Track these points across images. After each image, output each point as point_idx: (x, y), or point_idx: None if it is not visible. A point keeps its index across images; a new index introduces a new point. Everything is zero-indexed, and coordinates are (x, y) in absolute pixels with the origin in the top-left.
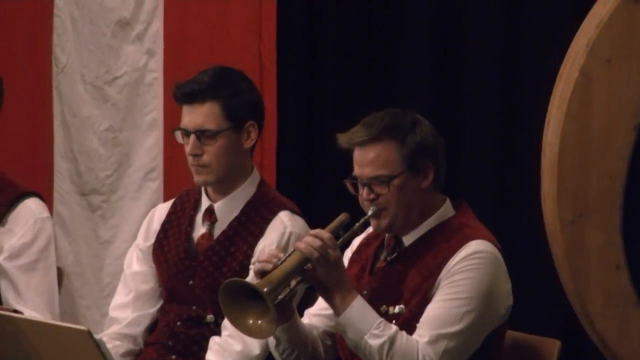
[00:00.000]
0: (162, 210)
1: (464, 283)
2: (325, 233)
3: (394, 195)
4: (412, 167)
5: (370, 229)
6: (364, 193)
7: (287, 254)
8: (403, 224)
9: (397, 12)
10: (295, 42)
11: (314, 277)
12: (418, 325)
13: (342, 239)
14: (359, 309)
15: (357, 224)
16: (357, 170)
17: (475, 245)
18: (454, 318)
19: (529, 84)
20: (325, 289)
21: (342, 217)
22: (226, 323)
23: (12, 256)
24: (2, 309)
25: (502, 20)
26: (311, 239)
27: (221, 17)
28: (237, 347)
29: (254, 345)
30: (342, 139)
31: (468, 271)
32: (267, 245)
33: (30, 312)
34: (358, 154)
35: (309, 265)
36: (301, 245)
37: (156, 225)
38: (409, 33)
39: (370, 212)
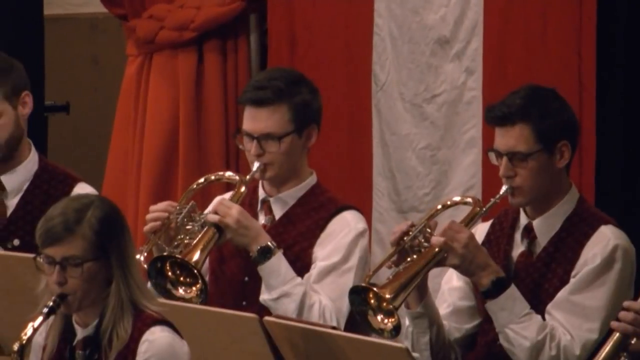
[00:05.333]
0: (481, 230)
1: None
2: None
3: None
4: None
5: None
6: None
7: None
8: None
9: None
10: (616, 61)
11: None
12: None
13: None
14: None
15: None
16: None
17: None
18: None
19: None
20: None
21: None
22: None
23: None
24: (321, 326)
25: None
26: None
27: (540, 36)
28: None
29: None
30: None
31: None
32: (589, 258)
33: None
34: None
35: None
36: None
37: None
38: None
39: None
